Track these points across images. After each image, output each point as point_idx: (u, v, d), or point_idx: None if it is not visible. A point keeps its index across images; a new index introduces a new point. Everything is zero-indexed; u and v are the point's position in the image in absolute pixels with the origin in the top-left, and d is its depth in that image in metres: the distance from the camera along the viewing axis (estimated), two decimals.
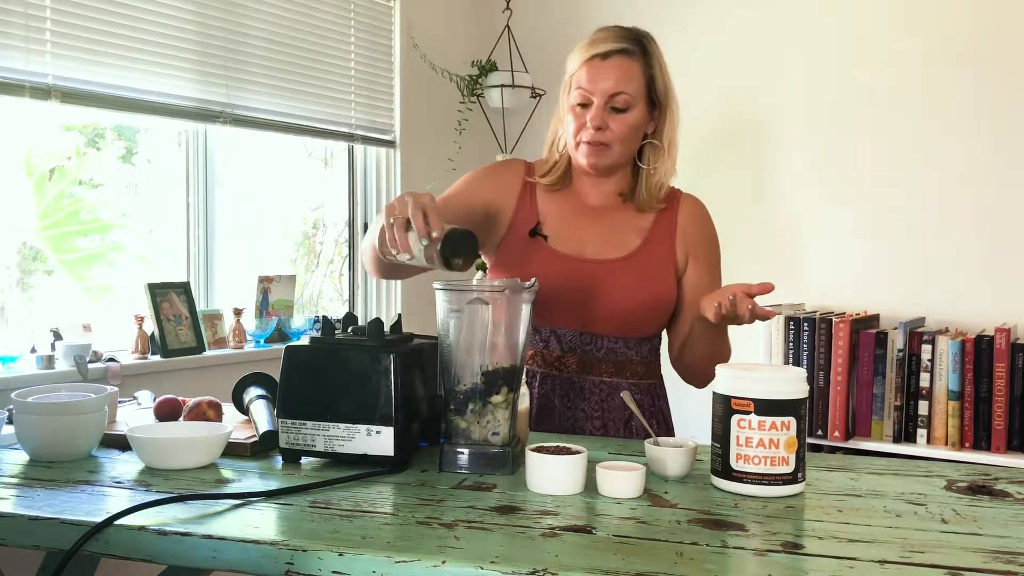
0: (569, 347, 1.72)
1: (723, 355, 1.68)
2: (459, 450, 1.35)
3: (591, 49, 1.68)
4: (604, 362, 1.72)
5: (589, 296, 1.69)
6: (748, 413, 1.24)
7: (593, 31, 1.72)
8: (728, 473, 1.25)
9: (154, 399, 1.78)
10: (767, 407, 1.23)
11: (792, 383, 1.25)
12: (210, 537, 1.06)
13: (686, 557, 1.00)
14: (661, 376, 1.82)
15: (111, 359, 2.40)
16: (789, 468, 1.23)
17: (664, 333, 1.81)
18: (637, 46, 1.68)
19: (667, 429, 1.80)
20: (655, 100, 1.71)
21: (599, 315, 1.69)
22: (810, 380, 2.81)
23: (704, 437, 1.36)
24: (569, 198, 1.78)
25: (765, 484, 1.23)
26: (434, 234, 1.40)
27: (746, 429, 1.23)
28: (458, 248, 1.43)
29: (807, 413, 1.29)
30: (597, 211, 1.77)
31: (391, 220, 1.42)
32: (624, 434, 1.72)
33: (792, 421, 1.23)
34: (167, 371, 2.52)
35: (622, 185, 1.77)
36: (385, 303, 3.41)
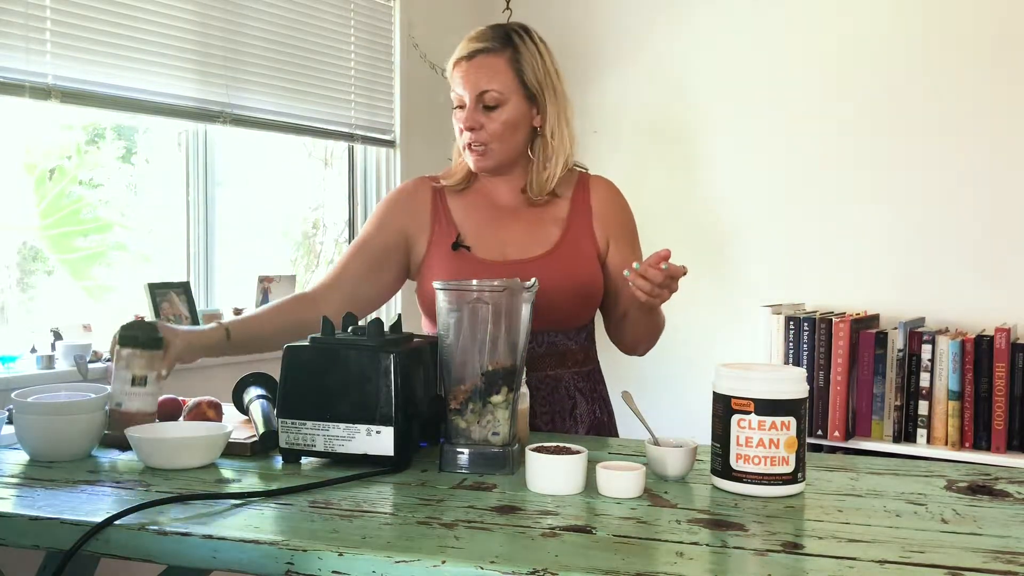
0: None
1: (661, 325, 1.73)
2: (459, 450, 1.35)
3: (457, 53, 1.72)
4: (546, 356, 1.72)
5: None
6: (748, 413, 1.24)
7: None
8: (728, 473, 1.25)
9: None
10: (767, 407, 1.23)
11: (792, 383, 1.25)
12: (210, 537, 1.06)
13: (686, 557, 1.00)
14: (598, 361, 1.83)
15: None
16: (789, 468, 1.23)
17: (596, 317, 1.82)
18: (500, 42, 1.70)
19: (608, 414, 1.81)
20: (531, 92, 1.71)
21: (534, 314, 1.69)
22: (810, 380, 2.81)
23: (704, 437, 1.36)
24: (481, 202, 1.79)
25: (765, 484, 1.23)
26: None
27: (746, 429, 1.24)
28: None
29: (807, 413, 1.29)
30: (512, 211, 1.78)
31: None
32: (569, 423, 1.72)
33: (792, 421, 1.23)
34: None
35: (521, 181, 1.78)
36: (385, 303, 3.40)
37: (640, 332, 1.73)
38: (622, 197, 1.84)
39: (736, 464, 1.25)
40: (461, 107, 1.71)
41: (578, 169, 1.83)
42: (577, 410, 1.74)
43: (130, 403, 1.43)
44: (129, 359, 1.44)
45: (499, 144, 1.70)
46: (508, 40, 1.71)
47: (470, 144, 1.71)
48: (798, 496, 1.25)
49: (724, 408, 1.26)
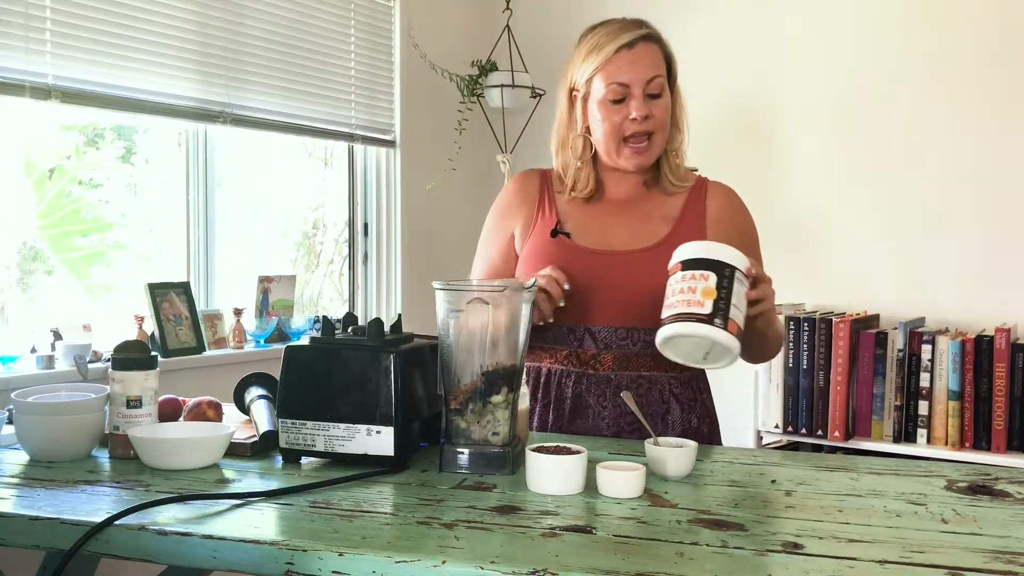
0: (604, 344, 1.67)
1: (777, 332, 1.70)
2: (459, 450, 1.35)
3: (614, 41, 1.65)
4: (641, 356, 1.67)
5: (620, 289, 1.66)
6: (676, 272, 1.44)
7: (598, 30, 1.70)
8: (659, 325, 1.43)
9: None
10: (690, 264, 1.42)
11: (718, 251, 1.42)
12: (210, 537, 1.06)
13: (686, 557, 1.00)
14: (703, 369, 1.75)
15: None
16: (704, 310, 1.38)
17: None
18: (652, 31, 1.70)
19: (710, 422, 1.74)
20: (672, 83, 1.72)
21: (633, 308, 1.65)
22: (810, 380, 2.82)
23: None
24: (592, 196, 1.77)
25: (681, 322, 1.39)
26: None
27: (676, 283, 1.43)
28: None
29: (733, 283, 1.41)
30: (622, 203, 1.75)
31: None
32: (660, 427, 1.67)
33: (712, 275, 1.40)
34: (167, 371, 2.50)
35: (646, 173, 1.75)
36: (385, 303, 3.41)
37: (756, 340, 1.62)
38: (742, 204, 1.79)
39: (664, 314, 1.42)
40: (619, 100, 1.65)
41: (695, 173, 1.79)
42: (670, 416, 1.68)
43: (127, 426, 1.43)
44: (122, 382, 1.44)
45: (662, 134, 1.69)
46: (653, 29, 1.70)
47: (634, 136, 1.66)
48: (798, 496, 1.25)
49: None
